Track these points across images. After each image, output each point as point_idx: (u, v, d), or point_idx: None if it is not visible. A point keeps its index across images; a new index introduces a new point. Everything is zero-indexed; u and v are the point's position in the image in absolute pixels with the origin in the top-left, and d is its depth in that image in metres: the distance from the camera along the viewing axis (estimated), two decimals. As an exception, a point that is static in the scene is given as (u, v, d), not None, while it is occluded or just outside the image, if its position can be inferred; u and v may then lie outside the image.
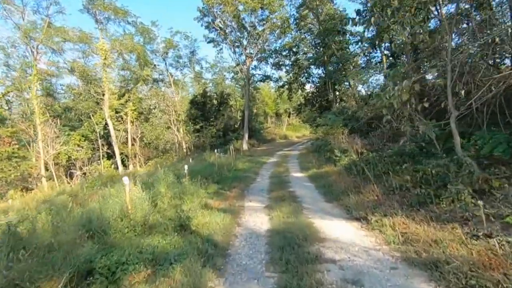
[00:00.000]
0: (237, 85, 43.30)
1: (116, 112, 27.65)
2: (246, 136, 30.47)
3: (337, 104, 26.57)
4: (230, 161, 19.87)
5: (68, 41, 28.22)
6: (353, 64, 21.89)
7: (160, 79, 32.87)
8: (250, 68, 32.01)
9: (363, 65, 22.16)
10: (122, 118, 28.64)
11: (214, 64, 40.43)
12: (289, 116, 60.31)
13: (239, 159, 22.59)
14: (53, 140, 23.53)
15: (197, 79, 43.44)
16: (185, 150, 32.45)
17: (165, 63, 31.62)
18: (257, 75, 32.65)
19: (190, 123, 36.84)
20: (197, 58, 33.29)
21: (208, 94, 37.44)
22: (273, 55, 31.23)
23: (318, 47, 27.53)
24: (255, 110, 48.98)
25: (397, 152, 10.15)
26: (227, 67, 39.32)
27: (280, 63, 31.28)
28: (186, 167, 11.55)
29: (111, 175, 27.19)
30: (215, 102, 39.45)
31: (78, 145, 26.91)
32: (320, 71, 33.35)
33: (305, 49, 31.58)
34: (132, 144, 28.89)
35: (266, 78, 32.74)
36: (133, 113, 28.57)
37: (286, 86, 33.23)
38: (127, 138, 29.07)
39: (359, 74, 22.51)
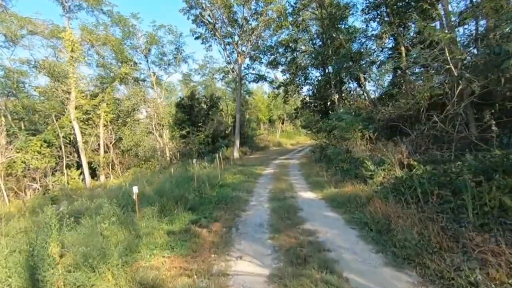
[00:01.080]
0: (228, 88, 39.11)
1: (86, 114, 22.90)
2: (238, 142, 26.05)
3: (340, 106, 22.39)
4: (217, 172, 15.39)
5: (36, 34, 23.62)
6: (365, 57, 17.80)
7: (142, 79, 28.31)
8: (243, 68, 27.75)
9: (380, 59, 18.13)
10: (94, 122, 23.88)
11: (204, 65, 36.28)
12: (282, 123, 56.15)
13: (228, 170, 18.14)
14: (2, 146, 18.71)
15: (186, 82, 39.01)
16: (169, 158, 27.81)
17: (147, 61, 27.20)
18: (250, 75, 28.36)
19: (176, 128, 32.35)
20: (184, 55, 28.89)
21: (196, 96, 32.98)
22: (268, 52, 27.03)
23: (323, 40, 23.38)
24: (247, 116, 44.66)
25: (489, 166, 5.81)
26: (217, 69, 35.11)
27: (276, 61, 27.01)
28: (135, 189, 6.91)
29: (76, 188, 22.46)
30: (204, 105, 34.96)
31: (39, 152, 22.06)
32: (318, 73, 29.36)
33: (303, 47, 27.46)
34: (106, 152, 24.11)
35: (260, 78, 28.48)
36: (106, 115, 23.87)
37: (282, 88, 28.98)
38: (99, 144, 24.30)
39: (372, 70, 18.45)
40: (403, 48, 15.26)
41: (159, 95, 27.56)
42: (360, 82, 18.70)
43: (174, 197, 8.78)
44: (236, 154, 25.41)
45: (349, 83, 23.42)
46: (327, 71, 26.54)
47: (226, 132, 36.57)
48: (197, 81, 37.93)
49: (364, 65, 16.86)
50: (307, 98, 30.39)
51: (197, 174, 15.05)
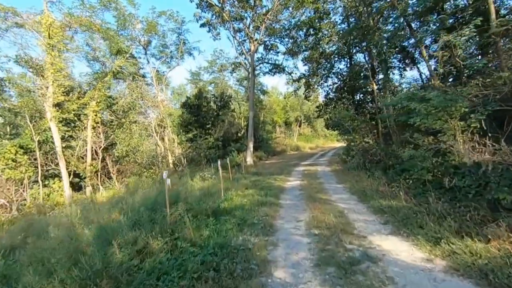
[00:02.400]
0: (240, 87, 34.20)
1: (70, 113, 18.29)
2: (251, 146, 20.89)
3: (387, 96, 16.94)
4: (221, 186, 10.34)
5: (22, 27, 19.37)
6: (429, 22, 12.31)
7: (141, 75, 23.62)
8: (256, 58, 22.63)
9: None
10: (82, 123, 19.27)
11: (213, 61, 31.48)
12: (300, 125, 50.67)
13: (238, 181, 13.07)
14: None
15: (195, 81, 34.30)
16: (172, 165, 22.94)
17: (146, 53, 22.49)
18: (264, 66, 23.22)
19: (182, 130, 27.53)
20: (188, 46, 24.09)
21: (205, 95, 28.11)
22: (286, 37, 21.83)
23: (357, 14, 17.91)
24: (262, 118, 39.54)
25: None
26: (228, 64, 30.06)
27: (297, 45, 21.74)
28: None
29: (57, 203, 17.83)
30: (213, 105, 30.07)
31: (14, 160, 17.58)
32: (343, 65, 23.97)
33: (327, 31, 22.06)
34: (94, 159, 19.40)
35: (276, 68, 23.25)
36: (96, 115, 19.21)
37: (303, 80, 23.65)
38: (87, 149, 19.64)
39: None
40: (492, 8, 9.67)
41: (160, 92, 22.81)
42: (415, 60, 13.21)
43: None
44: (249, 160, 20.24)
45: (396, 64, 17.88)
46: (355, 58, 21.21)
47: (239, 134, 31.52)
48: (207, 80, 33.27)
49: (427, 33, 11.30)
50: (331, 93, 25.01)
51: (190, 190, 9.99)
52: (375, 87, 17.51)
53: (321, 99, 26.88)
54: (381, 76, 18.55)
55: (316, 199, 8.47)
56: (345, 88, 22.38)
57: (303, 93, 25.36)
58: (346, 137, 17.13)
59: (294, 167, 19.17)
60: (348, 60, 23.44)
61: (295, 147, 42.23)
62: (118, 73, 21.52)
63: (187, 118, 27.05)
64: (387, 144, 14.29)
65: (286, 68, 23.24)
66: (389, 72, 15.97)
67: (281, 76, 28.84)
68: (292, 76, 23.73)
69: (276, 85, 63.02)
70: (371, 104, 19.44)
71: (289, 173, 15.98)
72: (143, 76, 23.71)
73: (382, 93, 17.61)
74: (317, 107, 27.03)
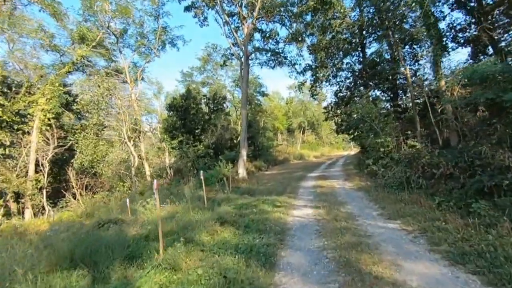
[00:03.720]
0: (236, 90, 29.28)
1: (6, 114, 13.43)
2: (245, 154, 15.77)
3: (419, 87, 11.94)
4: (185, 219, 5.33)
5: None
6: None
7: (115, 70, 18.77)
8: (252, 48, 17.75)
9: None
10: (26, 124, 14.39)
11: (205, 58, 26.50)
12: (303, 132, 45.52)
13: (213, 209, 7.97)
14: None
15: (187, 83, 29.49)
16: (149, 178, 17.88)
17: (116, 40, 17.62)
18: (262, 55, 18.23)
19: (167, 136, 22.60)
20: (170, 36, 19.24)
21: (193, 95, 23.20)
22: (287, 18, 16.93)
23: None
24: (262, 123, 34.52)
25: None
26: (219, 57, 24.91)
27: (303, 28, 16.79)
28: None
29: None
30: (204, 108, 25.16)
31: None
32: (352, 60, 19.09)
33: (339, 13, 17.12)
34: (37, 172, 14.40)
35: (276, 57, 18.27)
36: (45, 116, 14.31)
37: (310, 73, 18.67)
38: (38, 160, 14.66)
39: None
40: None
41: (135, 89, 17.91)
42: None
43: None
44: (242, 172, 15.10)
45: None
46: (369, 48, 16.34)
47: (234, 141, 26.49)
48: (200, 81, 28.39)
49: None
50: (343, 91, 20.01)
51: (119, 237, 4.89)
52: (409, 73, 12.42)
53: (329, 99, 21.84)
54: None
55: (363, 272, 3.35)
56: (361, 80, 17.31)
57: (309, 90, 20.34)
58: (371, 140, 11.96)
59: (301, 181, 14.00)
60: (360, 51, 18.54)
61: (298, 156, 37.04)
62: (82, 66, 16.67)
63: (173, 122, 22.14)
64: (446, 147, 9.12)
65: (288, 58, 18.25)
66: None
67: (282, 69, 23.24)
68: (296, 68, 18.75)
69: (277, 89, 58.22)
70: (404, 96, 14.27)
71: (294, 191, 10.81)
72: (119, 72, 18.89)
73: (417, 81, 12.54)
74: (325, 107, 21.94)
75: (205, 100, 25.38)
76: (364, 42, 18.42)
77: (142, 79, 20.01)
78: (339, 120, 22.02)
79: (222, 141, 23.90)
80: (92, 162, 16.44)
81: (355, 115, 13.75)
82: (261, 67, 18.99)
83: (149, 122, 30.95)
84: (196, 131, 22.15)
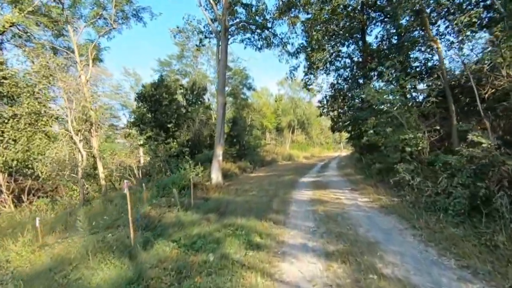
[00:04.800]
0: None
1: None
2: (220, 153, 11.78)
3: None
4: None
5: None
6: None
7: (65, 47, 14.62)
8: (234, 27, 13.91)
9: None
10: None
11: (183, 44, 22.46)
12: (292, 132, 41.95)
13: (126, 261, 4.00)
14: None
15: (165, 72, 25.34)
16: (104, 181, 13.86)
17: (62, 6, 13.43)
18: (246, 33, 14.29)
19: (135, 130, 18.69)
20: (136, 8, 15.17)
21: (166, 83, 19.24)
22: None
23: None
24: (249, 121, 30.77)
25: None
26: (195, 33, 20.81)
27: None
28: None
29: None
30: (181, 100, 21.31)
31: None
32: (349, 50, 15.74)
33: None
34: None
35: (262, 32, 14.31)
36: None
37: (303, 56, 15.03)
38: None
39: None
40: None
41: (84, 70, 13.79)
42: None
43: None
44: (215, 176, 11.21)
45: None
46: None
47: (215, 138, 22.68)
48: (177, 68, 24.27)
49: None
50: (340, 82, 16.59)
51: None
52: (440, 46, 8.90)
53: (324, 92, 18.23)
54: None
55: None
56: (366, 65, 13.75)
57: (302, 79, 16.69)
58: (390, 136, 8.34)
59: (292, 189, 10.29)
60: (361, 39, 15.13)
61: (287, 156, 33.48)
62: (14, 36, 12.54)
63: (141, 114, 18.16)
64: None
65: (278, 35, 14.46)
66: None
67: (271, 50, 18.58)
68: (287, 49, 14.99)
69: (266, 86, 54.43)
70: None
71: (283, 209, 7.06)
72: (70, 50, 14.74)
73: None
74: (319, 101, 18.34)
75: (183, 90, 21.45)
76: (367, 24, 15.03)
77: (99, 59, 15.80)
78: (335, 116, 18.54)
79: (200, 138, 20.06)
80: (25, 161, 12.33)
81: (365, 103, 10.12)
82: (245, 46, 14.67)
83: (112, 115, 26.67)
84: (169, 125, 18.24)
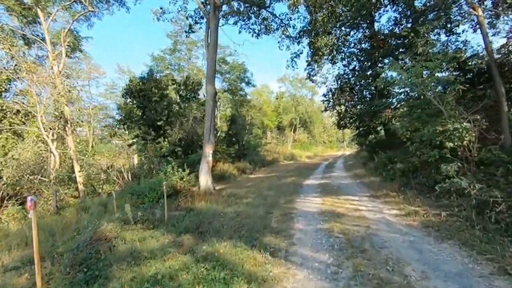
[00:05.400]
0: (217, 75, 23.19)
1: None
2: (210, 152, 9.72)
3: None
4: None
5: None
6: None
7: (40, 38, 12.75)
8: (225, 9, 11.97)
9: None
10: None
11: (174, 36, 20.51)
12: (294, 130, 39.95)
13: None
14: None
15: (159, 68, 23.41)
16: (81, 186, 11.98)
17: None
18: (236, 13, 12.21)
19: (123, 127, 16.92)
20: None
21: (156, 77, 17.39)
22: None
23: None
24: (249, 119, 28.83)
25: None
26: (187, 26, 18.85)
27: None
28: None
29: None
30: (174, 95, 19.44)
31: None
32: (358, 33, 13.83)
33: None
34: None
35: (258, 9, 12.19)
36: None
37: (306, 40, 13.03)
38: None
39: None
40: None
41: (57, 60, 11.91)
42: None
43: None
44: (204, 182, 9.21)
45: None
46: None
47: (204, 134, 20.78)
48: (169, 61, 22.21)
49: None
50: (347, 74, 14.68)
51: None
52: (481, 13, 6.95)
53: (330, 85, 16.25)
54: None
55: None
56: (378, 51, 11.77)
57: (305, 69, 14.73)
58: (427, 129, 6.37)
59: (295, 195, 8.35)
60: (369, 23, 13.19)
61: (289, 156, 31.52)
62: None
63: (128, 110, 16.32)
64: None
65: (278, 18, 12.44)
66: None
67: (271, 35, 15.43)
68: (288, 33, 12.99)
69: (266, 83, 52.35)
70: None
71: (285, 227, 5.08)
72: (44, 40, 12.86)
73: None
74: (324, 95, 16.36)
75: (175, 86, 19.54)
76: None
77: (79, 49, 13.88)
78: (342, 111, 16.59)
79: (193, 137, 18.11)
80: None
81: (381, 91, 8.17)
82: (240, 30, 12.63)
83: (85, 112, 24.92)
84: (159, 123, 16.35)
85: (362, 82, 15.16)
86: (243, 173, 19.99)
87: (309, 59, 13.98)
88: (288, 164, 26.59)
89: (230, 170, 18.80)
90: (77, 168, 12.06)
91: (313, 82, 15.38)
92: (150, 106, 16.31)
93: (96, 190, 14.17)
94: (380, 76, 9.63)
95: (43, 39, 13.13)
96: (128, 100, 16.91)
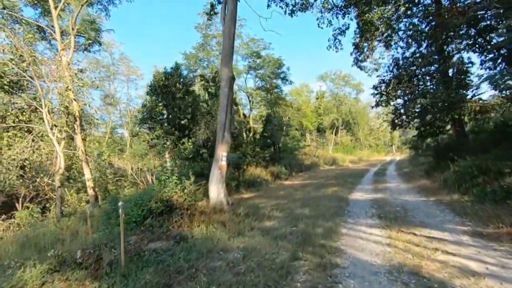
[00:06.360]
0: (250, 71, 20.73)
1: None
2: (223, 153, 7.26)
3: None
4: None
5: None
6: None
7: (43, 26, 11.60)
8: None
9: None
10: None
11: (202, 27, 18.48)
12: (336, 132, 36.11)
13: None
14: None
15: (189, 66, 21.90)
16: (91, 190, 10.43)
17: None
18: None
19: (142, 128, 15.50)
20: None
21: (182, 73, 15.60)
22: None
23: None
24: (287, 119, 26.13)
25: None
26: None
27: None
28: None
29: None
30: (202, 93, 17.67)
31: None
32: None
33: None
34: None
35: None
36: None
37: (355, 15, 10.03)
38: None
39: None
40: None
41: (66, 52, 10.55)
42: None
43: None
44: (215, 193, 6.80)
45: None
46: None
47: (241, 138, 18.40)
48: (203, 59, 20.32)
49: None
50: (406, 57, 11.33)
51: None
52: None
53: (383, 74, 12.88)
54: None
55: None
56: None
57: (351, 54, 11.62)
58: None
59: (339, 218, 5.55)
60: None
61: (330, 160, 28.07)
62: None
63: (149, 108, 14.73)
64: None
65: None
66: None
67: (310, 12, 11.86)
68: (331, 2, 10.01)
69: (306, 83, 48.96)
70: None
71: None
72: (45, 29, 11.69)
73: None
74: (375, 87, 12.98)
75: (204, 82, 17.66)
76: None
77: (97, 41, 12.45)
78: (399, 106, 13.13)
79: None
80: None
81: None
82: (268, 4, 10.01)
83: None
84: (182, 122, 14.48)
85: (428, 69, 11.70)
86: (277, 179, 17.46)
87: (357, 40, 10.93)
88: (329, 170, 23.28)
89: (263, 175, 16.41)
90: (86, 170, 10.54)
91: (361, 69, 12.20)
92: (173, 103, 14.54)
93: (111, 194, 12.68)
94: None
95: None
96: (153, 97, 15.38)
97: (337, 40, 10.60)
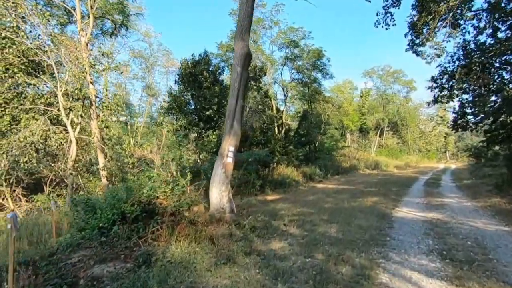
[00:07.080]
0: (286, 62, 18.86)
1: None
2: (231, 148, 5.79)
3: None
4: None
5: None
6: None
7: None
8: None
9: None
10: None
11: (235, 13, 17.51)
12: (380, 134, 32.52)
13: None
14: None
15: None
16: (104, 179, 9.80)
17: None
18: None
19: (172, 117, 14.72)
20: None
21: (210, 61, 14.46)
22: None
23: None
24: (325, 117, 23.87)
25: None
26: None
27: None
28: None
29: None
30: (227, 81, 16.40)
31: None
32: None
33: None
34: None
35: None
36: None
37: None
38: None
39: None
40: None
41: (84, 29, 9.93)
42: None
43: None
44: (217, 197, 5.39)
45: None
46: None
47: (271, 133, 16.71)
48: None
49: None
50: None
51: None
52: None
53: (444, 63, 10.29)
54: None
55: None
56: None
57: (406, 35, 9.29)
58: None
59: (379, 251, 3.76)
60: None
61: (372, 164, 25.15)
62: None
63: (175, 97, 13.86)
64: None
65: None
66: None
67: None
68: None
69: (349, 79, 45.28)
70: None
71: None
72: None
73: None
74: (434, 79, 10.45)
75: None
76: None
77: (124, 25, 11.64)
78: (466, 102, 10.48)
79: (248, 132, 14.56)
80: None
81: None
82: None
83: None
84: (207, 112, 13.36)
85: (509, 58, 8.96)
86: (309, 181, 15.69)
87: (414, 17, 8.65)
88: (370, 175, 20.63)
89: (293, 175, 14.78)
90: (101, 158, 9.89)
91: (417, 55, 9.77)
92: (199, 92, 13.49)
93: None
94: None
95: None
96: (181, 87, 14.51)
97: (387, 14, 8.42)
